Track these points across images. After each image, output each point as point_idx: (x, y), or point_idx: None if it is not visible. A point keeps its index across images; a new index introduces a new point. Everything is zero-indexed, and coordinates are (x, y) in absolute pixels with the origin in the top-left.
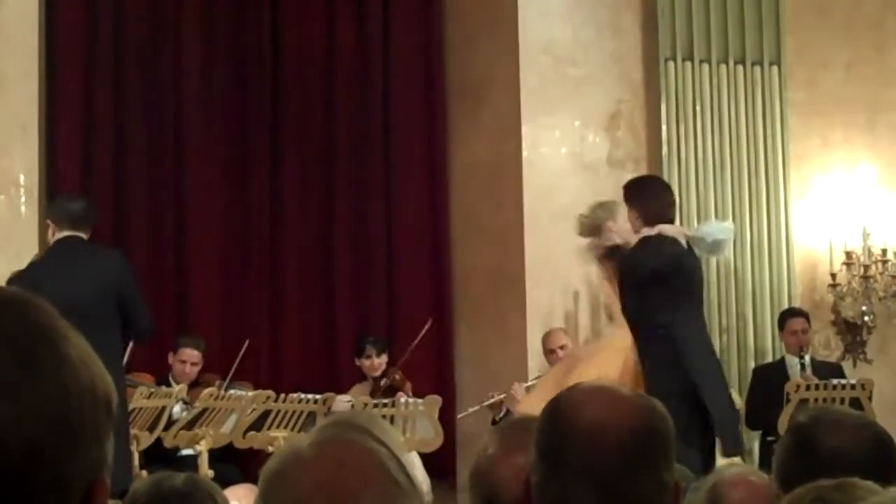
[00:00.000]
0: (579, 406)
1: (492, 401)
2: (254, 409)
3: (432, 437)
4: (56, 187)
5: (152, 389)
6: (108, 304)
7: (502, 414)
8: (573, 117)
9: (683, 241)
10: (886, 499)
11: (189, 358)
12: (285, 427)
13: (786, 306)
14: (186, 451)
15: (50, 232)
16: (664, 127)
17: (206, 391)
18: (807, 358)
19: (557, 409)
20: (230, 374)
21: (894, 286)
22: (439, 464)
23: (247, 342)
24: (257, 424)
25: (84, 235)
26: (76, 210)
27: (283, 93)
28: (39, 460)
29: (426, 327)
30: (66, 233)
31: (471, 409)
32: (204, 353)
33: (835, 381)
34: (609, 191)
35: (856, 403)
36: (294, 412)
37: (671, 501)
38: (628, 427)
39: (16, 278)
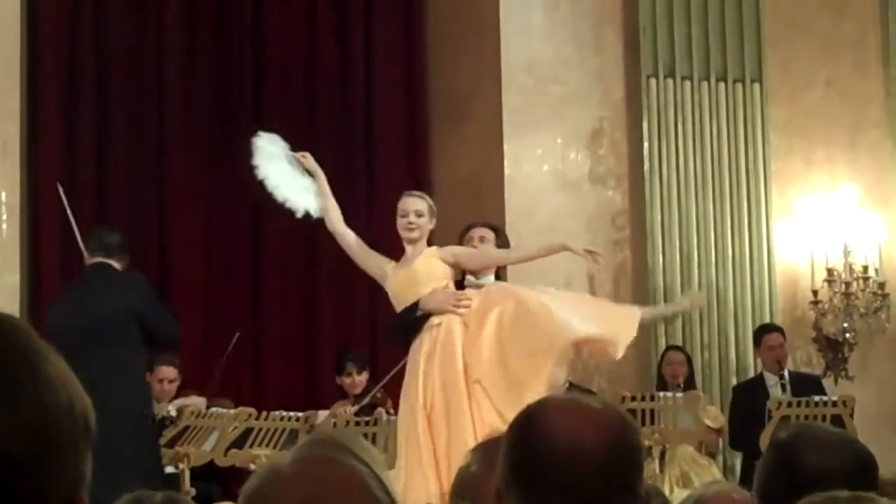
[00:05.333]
0: (554, 422)
1: None
2: (235, 427)
3: None
4: (37, 205)
5: None
6: (128, 325)
7: None
8: (555, 135)
9: None
10: None
11: (166, 375)
12: (267, 445)
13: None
14: (168, 469)
15: (86, 259)
16: (646, 144)
17: (189, 409)
18: (785, 373)
19: (529, 423)
20: (224, 359)
21: (875, 303)
22: None
23: (237, 334)
24: (239, 442)
25: (115, 264)
26: (110, 241)
27: (265, 112)
28: (18, 477)
29: None
30: (97, 260)
31: None
32: (181, 371)
33: (816, 398)
34: (591, 208)
35: (837, 420)
36: (276, 430)
37: None
38: (605, 442)
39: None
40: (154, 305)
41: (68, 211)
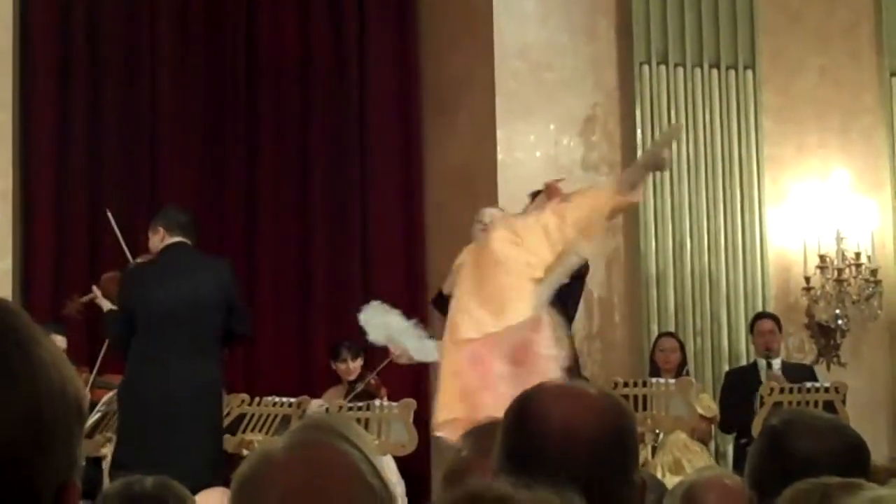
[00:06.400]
0: (548, 407)
1: None
2: (228, 413)
3: (406, 440)
4: (31, 192)
5: None
6: (217, 309)
7: None
8: (548, 121)
9: None
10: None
11: None
12: (260, 430)
13: (760, 309)
14: None
15: (159, 237)
16: (639, 131)
17: None
18: (778, 361)
19: (525, 409)
20: None
21: (868, 290)
22: (413, 467)
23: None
24: (232, 428)
25: (190, 242)
26: (186, 219)
27: (259, 98)
28: (12, 463)
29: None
30: (177, 238)
31: None
32: None
33: (808, 385)
34: None
35: (829, 407)
36: (269, 415)
37: (639, 499)
38: (600, 428)
39: (128, 275)
40: (235, 292)
41: (118, 234)
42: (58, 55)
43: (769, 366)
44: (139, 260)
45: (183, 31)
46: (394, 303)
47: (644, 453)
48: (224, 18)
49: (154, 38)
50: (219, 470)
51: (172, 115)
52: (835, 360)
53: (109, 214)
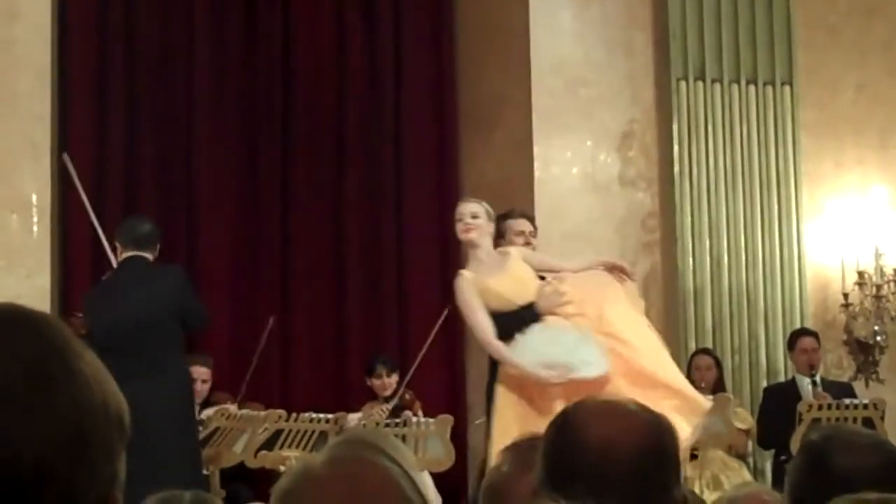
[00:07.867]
0: (589, 423)
1: None
2: (265, 429)
3: (443, 456)
4: (68, 207)
5: None
6: (172, 318)
7: None
8: (585, 137)
9: None
10: None
11: (199, 375)
12: (297, 447)
13: (798, 326)
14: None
15: (118, 253)
16: (676, 147)
17: (218, 410)
18: (817, 378)
19: (566, 424)
20: (260, 347)
21: None
22: (450, 483)
23: (271, 319)
24: (268, 444)
25: (149, 255)
26: (142, 232)
27: (294, 114)
28: (50, 476)
29: (443, 316)
30: (130, 253)
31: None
32: (213, 371)
33: (847, 401)
34: (620, 210)
35: (868, 423)
36: (306, 431)
37: None
38: (639, 444)
39: (86, 298)
40: (191, 298)
41: (106, 246)
42: (95, 70)
43: (814, 384)
44: (103, 278)
45: (219, 46)
46: (429, 320)
47: (685, 469)
48: (259, 39)
49: (190, 54)
50: (199, 482)
51: (208, 126)
52: (873, 376)
53: (95, 221)
